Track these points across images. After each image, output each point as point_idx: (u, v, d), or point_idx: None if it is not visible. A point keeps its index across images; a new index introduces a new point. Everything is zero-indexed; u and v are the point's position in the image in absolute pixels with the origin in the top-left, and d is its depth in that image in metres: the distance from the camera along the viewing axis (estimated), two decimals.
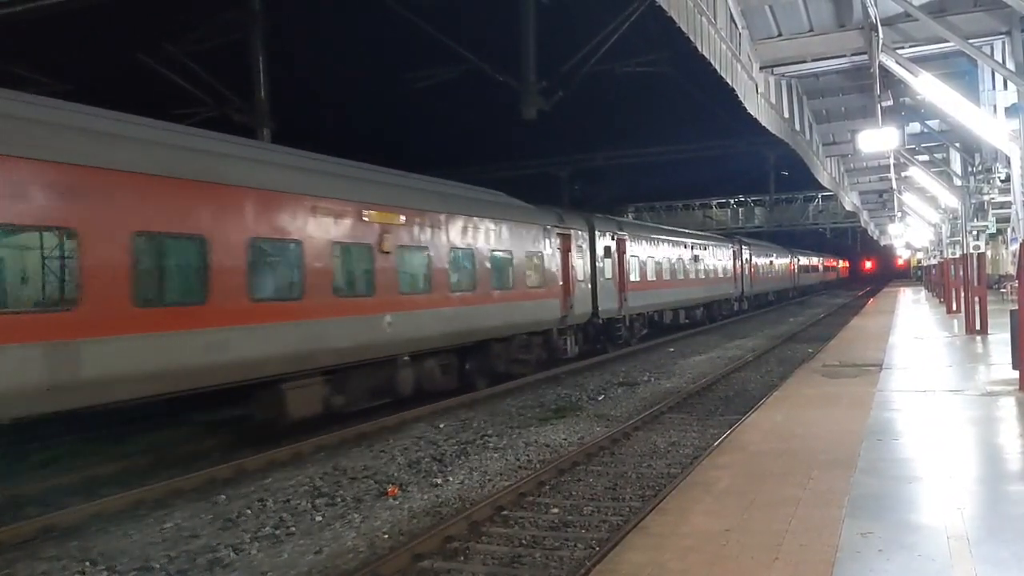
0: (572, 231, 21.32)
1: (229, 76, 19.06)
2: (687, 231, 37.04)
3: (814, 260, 77.54)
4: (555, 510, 9.03)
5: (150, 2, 22.05)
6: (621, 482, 10.09)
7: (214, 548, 7.99)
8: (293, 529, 8.56)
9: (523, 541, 8.00)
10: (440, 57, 23.45)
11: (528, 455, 11.65)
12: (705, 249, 36.31)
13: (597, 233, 23.00)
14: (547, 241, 19.70)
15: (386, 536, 8.33)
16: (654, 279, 28.62)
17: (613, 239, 24.28)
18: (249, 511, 9.15)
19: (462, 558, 7.64)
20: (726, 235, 45.78)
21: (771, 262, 51.96)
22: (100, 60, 25.23)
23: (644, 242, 27.92)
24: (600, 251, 23.11)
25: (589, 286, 22.17)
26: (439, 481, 10.33)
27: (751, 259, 44.68)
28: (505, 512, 8.91)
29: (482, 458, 11.51)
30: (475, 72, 20.68)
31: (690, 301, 33.61)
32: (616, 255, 24.51)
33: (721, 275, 38.62)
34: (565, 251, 20.63)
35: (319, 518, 8.91)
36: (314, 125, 35.59)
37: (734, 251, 41.30)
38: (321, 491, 9.92)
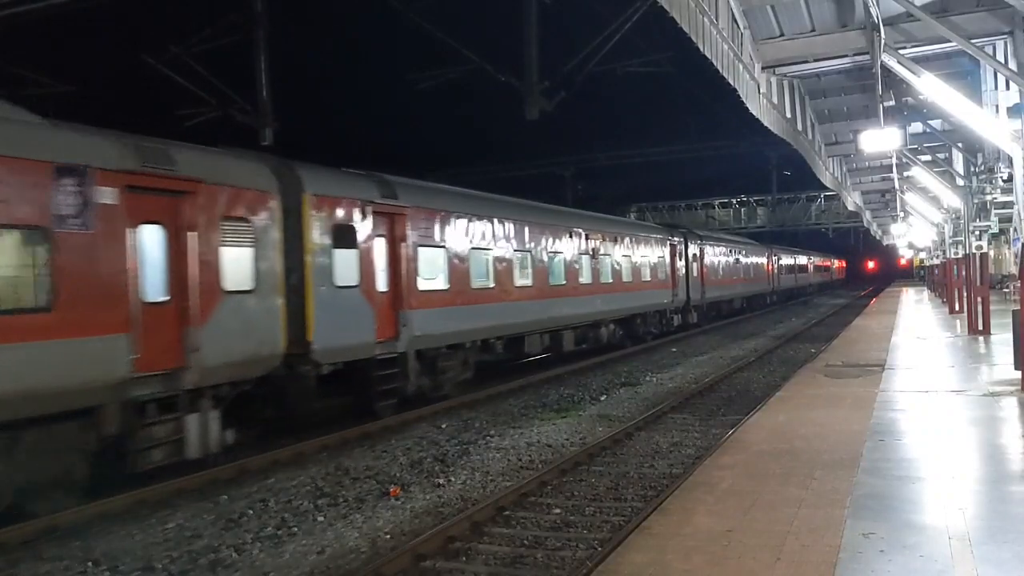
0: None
1: (232, 77, 19.08)
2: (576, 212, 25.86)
3: (801, 259, 67.92)
4: (557, 510, 9.04)
5: (154, 3, 22.12)
6: (623, 482, 10.09)
7: (216, 548, 8.00)
8: (295, 529, 8.57)
9: (525, 541, 8.01)
10: (443, 58, 23.49)
11: (530, 455, 11.66)
12: (616, 241, 25.20)
13: None
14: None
15: (388, 536, 8.34)
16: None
17: None
18: (251, 511, 9.16)
19: (464, 558, 7.65)
20: (670, 226, 35.87)
21: (737, 260, 41.69)
22: (103, 61, 25.32)
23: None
24: None
25: None
26: (441, 481, 10.34)
27: (703, 257, 34.90)
28: (507, 512, 8.92)
29: (484, 458, 11.52)
30: (478, 73, 20.66)
31: (566, 322, 21.04)
32: None
33: (647, 279, 27.88)
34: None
35: (321, 518, 8.93)
36: (317, 126, 35.70)
37: (673, 246, 31.09)
38: (323, 491, 9.93)
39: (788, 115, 16.30)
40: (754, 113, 13.89)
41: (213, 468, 10.59)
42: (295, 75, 30.36)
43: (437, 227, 15.69)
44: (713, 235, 41.11)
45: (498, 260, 17.86)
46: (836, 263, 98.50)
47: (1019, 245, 12.63)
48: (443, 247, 15.84)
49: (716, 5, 11.35)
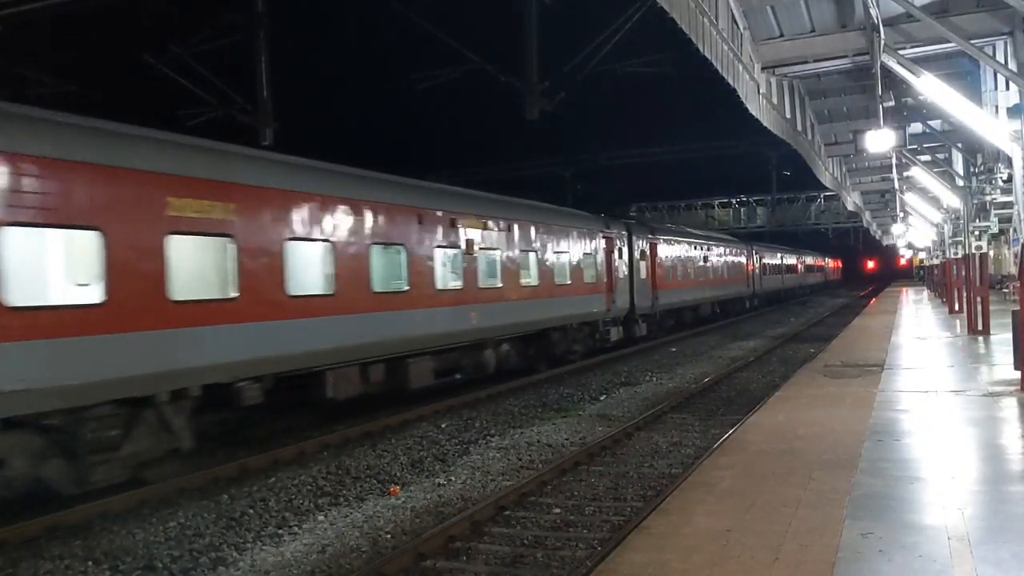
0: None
1: (233, 77, 19.12)
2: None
3: (790, 258, 60.87)
4: (557, 510, 9.06)
5: (154, 3, 22.11)
6: (623, 482, 10.11)
7: (217, 547, 8.03)
8: (296, 528, 8.60)
9: (525, 541, 8.03)
10: (443, 58, 23.57)
11: (530, 455, 11.68)
12: (508, 231, 18.09)
13: None
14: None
15: (389, 535, 8.36)
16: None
17: None
18: (252, 510, 9.18)
19: (464, 558, 7.67)
20: (610, 215, 26.79)
21: (704, 259, 34.87)
22: (105, 61, 25.33)
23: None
24: None
25: None
26: (442, 480, 10.37)
27: (655, 254, 28.02)
28: (507, 512, 8.94)
29: (484, 458, 11.55)
30: (478, 73, 20.68)
31: (416, 344, 14.66)
32: None
33: (566, 281, 20.73)
34: None
35: (322, 517, 8.95)
36: (318, 125, 35.74)
37: (609, 239, 24.03)
38: (324, 490, 9.95)
39: (788, 115, 16.32)
40: (754, 113, 13.91)
41: (214, 467, 10.63)
42: (296, 75, 30.42)
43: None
44: (670, 227, 35.37)
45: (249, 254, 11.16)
46: (831, 263, 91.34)
47: (1019, 245, 12.65)
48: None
49: (716, 6, 11.38)
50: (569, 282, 20.94)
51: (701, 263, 34.48)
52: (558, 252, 20.51)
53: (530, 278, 18.93)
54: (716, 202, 57.59)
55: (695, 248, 33.90)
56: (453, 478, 10.47)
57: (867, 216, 46.48)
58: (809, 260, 72.24)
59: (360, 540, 8.23)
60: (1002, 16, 11.59)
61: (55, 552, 7.93)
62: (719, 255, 37.90)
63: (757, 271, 46.47)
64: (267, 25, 18.65)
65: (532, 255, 19.11)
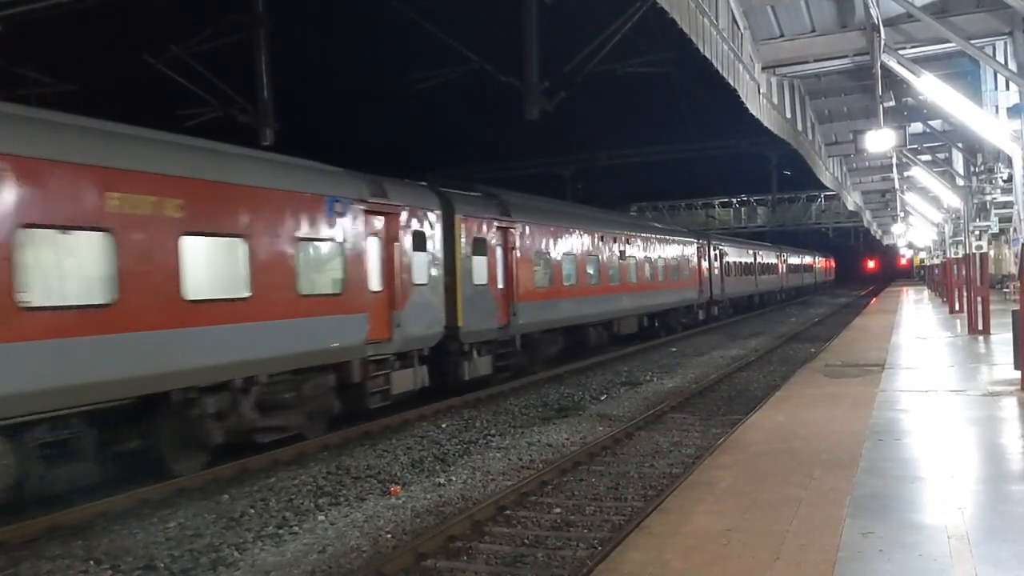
0: None
1: (233, 77, 19.11)
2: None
3: (767, 256, 51.09)
4: (557, 510, 9.06)
5: (154, 3, 22.14)
6: (623, 482, 10.12)
7: (218, 547, 8.03)
8: (296, 528, 8.59)
9: (526, 541, 8.03)
10: (443, 57, 23.49)
11: (531, 454, 11.69)
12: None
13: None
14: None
15: (389, 535, 8.36)
16: None
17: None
18: (252, 510, 9.18)
19: (465, 557, 7.67)
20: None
21: (620, 254, 25.17)
22: (104, 61, 25.33)
23: None
24: None
25: None
26: (442, 480, 10.37)
27: (506, 244, 18.12)
28: (508, 511, 8.94)
29: (485, 457, 11.55)
30: (478, 72, 20.67)
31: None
32: None
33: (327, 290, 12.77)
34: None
35: (322, 517, 8.95)
36: (318, 126, 35.75)
37: (389, 220, 14.21)
38: (324, 490, 9.95)
39: (788, 115, 16.32)
40: (754, 113, 13.92)
41: (214, 467, 10.63)
42: (296, 75, 30.42)
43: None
44: (544, 205, 23.47)
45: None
46: (821, 262, 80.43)
47: (1019, 245, 12.66)
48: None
49: (716, 5, 11.37)
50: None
51: (615, 261, 24.53)
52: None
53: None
54: (716, 202, 57.63)
55: (600, 240, 23.55)
56: (453, 478, 10.47)
57: (867, 216, 46.49)
58: (794, 259, 62.42)
59: (360, 540, 8.23)
60: (1002, 16, 11.60)
61: (56, 552, 7.93)
62: (649, 249, 27.89)
63: (717, 272, 36.89)
64: (267, 25, 18.67)
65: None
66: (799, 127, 17.49)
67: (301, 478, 10.46)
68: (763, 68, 13.77)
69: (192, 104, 19.34)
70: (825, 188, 35.11)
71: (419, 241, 14.87)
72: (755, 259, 46.93)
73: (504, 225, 18.00)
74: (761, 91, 13.93)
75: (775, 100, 15.04)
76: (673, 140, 44.82)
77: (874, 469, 7.93)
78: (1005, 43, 12.28)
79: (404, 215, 14.41)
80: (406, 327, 14.17)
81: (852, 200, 34.66)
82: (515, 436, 12.92)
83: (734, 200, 57.20)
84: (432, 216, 15.29)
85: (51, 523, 8.56)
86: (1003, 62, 12.17)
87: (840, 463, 8.18)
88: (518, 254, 18.36)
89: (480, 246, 16.96)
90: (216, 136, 12.15)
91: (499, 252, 17.68)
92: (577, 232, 22.01)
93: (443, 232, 15.57)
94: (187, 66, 18.62)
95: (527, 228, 18.98)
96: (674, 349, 25.99)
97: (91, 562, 7.66)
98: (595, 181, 50.12)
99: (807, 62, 13.68)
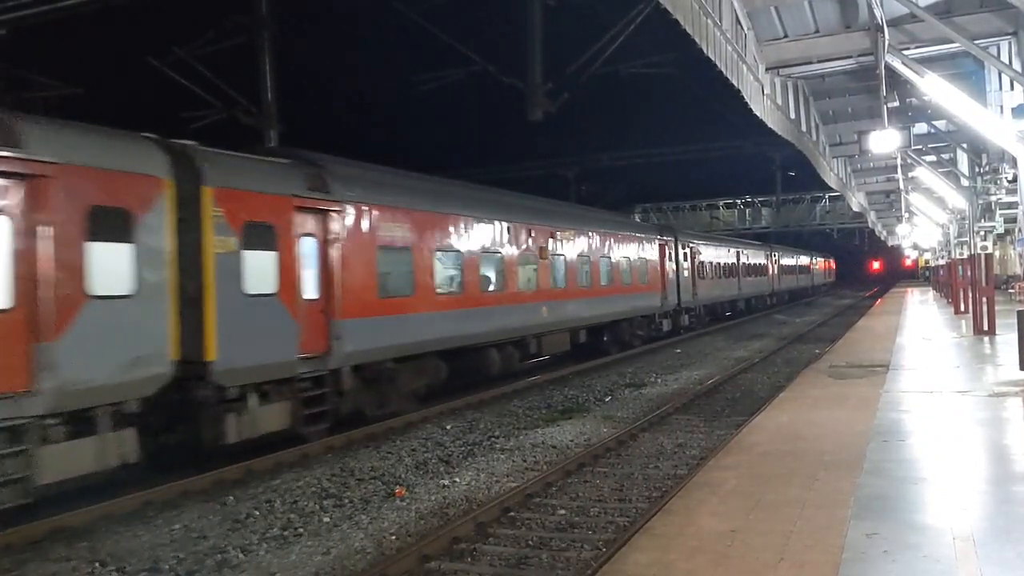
0: None
1: (237, 79, 19.18)
2: None
3: (754, 256, 45.45)
4: (562, 511, 9.06)
5: (159, 6, 22.19)
6: (628, 483, 10.11)
7: (223, 549, 8.04)
8: (301, 530, 8.61)
9: (530, 542, 8.03)
10: (447, 59, 23.55)
11: (535, 456, 11.68)
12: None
13: None
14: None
15: (394, 537, 8.37)
16: None
17: None
18: (257, 512, 9.20)
19: (469, 559, 7.68)
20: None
21: (544, 252, 19.62)
22: (109, 64, 25.43)
23: None
24: None
25: None
26: (446, 482, 10.37)
27: (412, 243, 14.56)
28: (512, 513, 8.94)
29: (489, 459, 11.55)
30: (481, 74, 20.73)
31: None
32: None
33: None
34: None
35: (327, 519, 8.96)
36: (322, 127, 35.82)
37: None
38: (329, 492, 9.96)
39: (792, 116, 16.31)
40: (758, 114, 13.91)
41: (219, 469, 10.63)
42: (300, 77, 30.49)
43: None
44: (406, 179, 16.85)
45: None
46: (820, 263, 74.75)
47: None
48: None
49: (719, 7, 11.37)
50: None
51: (531, 259, 18.94)
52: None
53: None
54: (721, 203, 57.58)
55: (506, 232, 17.93)
56: (458, 479, 10.47)
57: (872, 216, 46.42)
58: (788, 259, 56.51)
59: (365, 542, 8.24)
60: (1006, 16, 11.59)
61: (60, 554, 7.96)
62: (587, 246, 22.11)
63: (687, 274, 31.17)
64: (271, 27, 18.72)
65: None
66: (803, 128, 17.48)
67: (305, 480, 10.47)
68: (767, 69, 13.77)
69: (196, 106, 19.41)
70: (829, 189, 35.05)
71: (104, 225, 9.29)
72: (738, 259, 40.91)
73: (316, 206, 12.34)
74: (765, 92, 13.93)
75: (779, 101, 15.03)
76: (676, 141, 44.90)
77: (878, 470, 7.92)
78: (1010, 43, 12.27)
79: (56, 182, 8.68)
80: (66, 370, 8.67)
81: (856, 201, 34.62)
82: (519, 438, 12.92)
83: (738, 201, 57.16)
84: (145, 185, 9.79)
85: (56, 525, 8.58)
86: (1007, 62, 12.15)
87: (844, 464, 8.17)
88: (343, 249, 12.77)
89: (263, 236, 11.37)
90: (219, 137, 12.19)
91: (305, 245, 12.22)
92: (463, 220, 16.31)
93: (177, 211, 10.18)
94: (191, 69, 18.69)
95: (362, 211, 13.28)
96: (679, 351, 25.96)
97: (96, 564, 7.68)
98: (598, 182, 50.15)
99: (811, 63, 13.67)
